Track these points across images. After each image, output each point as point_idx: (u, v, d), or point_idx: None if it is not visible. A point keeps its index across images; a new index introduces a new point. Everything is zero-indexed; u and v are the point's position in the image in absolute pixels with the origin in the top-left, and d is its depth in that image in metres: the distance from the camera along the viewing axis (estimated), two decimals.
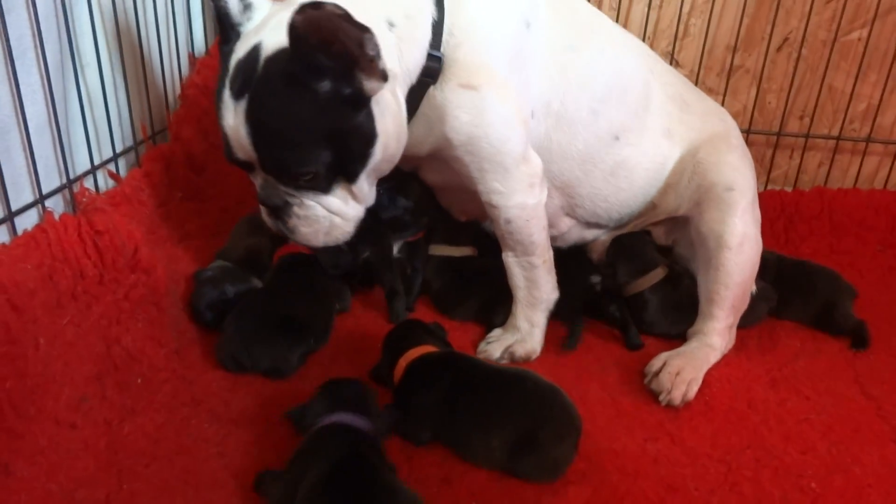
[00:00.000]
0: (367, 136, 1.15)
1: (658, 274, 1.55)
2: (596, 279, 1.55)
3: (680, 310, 1.54)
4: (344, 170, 1.17)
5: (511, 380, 1.18)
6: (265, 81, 1.09)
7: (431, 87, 1.26)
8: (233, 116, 1.12)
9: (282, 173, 1.16)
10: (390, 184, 1.42)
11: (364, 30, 1.01)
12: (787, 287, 1.63)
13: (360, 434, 1.07)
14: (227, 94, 1.12)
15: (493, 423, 1.13)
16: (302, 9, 0.97)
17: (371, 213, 1.30)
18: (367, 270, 1.57)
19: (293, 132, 1.11)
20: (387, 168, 1.26)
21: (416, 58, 1.21)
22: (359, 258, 1.55)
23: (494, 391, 1.16)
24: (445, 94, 1.26)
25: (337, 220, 1.22)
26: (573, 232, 1.62)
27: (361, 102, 1.12)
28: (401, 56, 1.19)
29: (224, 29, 1.18)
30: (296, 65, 1.06)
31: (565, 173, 1.48)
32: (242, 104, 1.10)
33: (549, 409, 1.13)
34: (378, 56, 1.05)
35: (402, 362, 1.24)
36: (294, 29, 1.01)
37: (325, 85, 1.08)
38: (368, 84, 1.10)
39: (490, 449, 1.12)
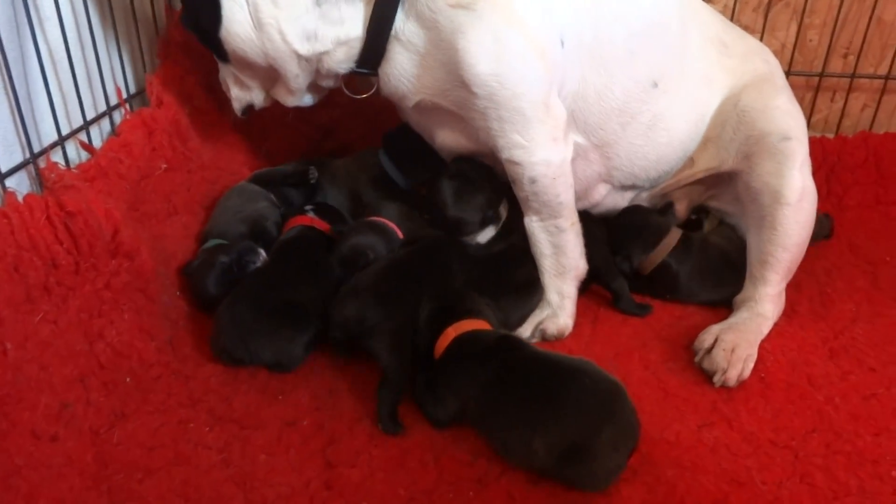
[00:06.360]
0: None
1: (674, 236, 1.42)
2: None
3: (715, 273, 1.43)
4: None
5: (567, 374, 1.03)
6: None
7: (420, 6, 1.13)
8: None
9: None
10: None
11: None
12: None
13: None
14: None
15: (538, 422, 0.99)
16: None
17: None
18: None
19: None
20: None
21: None
22: None
23: (545, 385, 1.02)
24: (436, 16, 1.12)
25: None
26: (608, 199, 1.49)
27: None
28: None
29: None
30: None
31: (603, 127, 1.35)
32: None
33: (606, 414, 0.99)
34: None
35: (452, 332, 1.11)
36: None
37: None
38: None
39: (531, 450, 0.98)
